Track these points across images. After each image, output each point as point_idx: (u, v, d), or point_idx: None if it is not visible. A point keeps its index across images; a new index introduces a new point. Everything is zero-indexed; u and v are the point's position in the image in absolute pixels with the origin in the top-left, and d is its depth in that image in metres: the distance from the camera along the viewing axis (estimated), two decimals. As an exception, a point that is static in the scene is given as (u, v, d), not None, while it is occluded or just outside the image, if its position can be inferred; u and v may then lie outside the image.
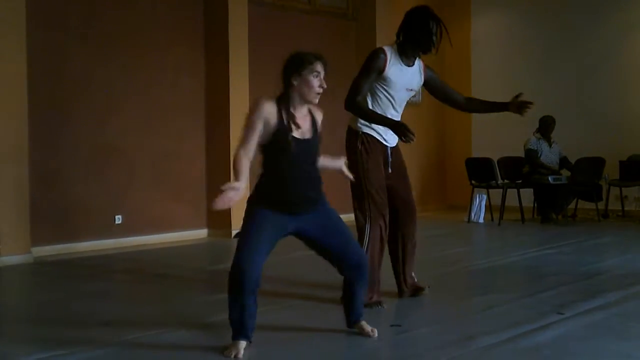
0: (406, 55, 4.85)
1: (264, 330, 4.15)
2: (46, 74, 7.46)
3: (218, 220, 8.84)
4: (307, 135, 3.87)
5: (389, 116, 4.78)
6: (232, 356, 3.75)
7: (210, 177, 8.90)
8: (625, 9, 10.81)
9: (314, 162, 3.92)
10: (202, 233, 8.91)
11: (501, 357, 3.77)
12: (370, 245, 4.79)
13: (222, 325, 4.51)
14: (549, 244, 7.93)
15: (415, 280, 5.20)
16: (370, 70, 4.76)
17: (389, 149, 4.91)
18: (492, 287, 5.83)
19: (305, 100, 3.90)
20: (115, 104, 8.04)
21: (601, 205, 10.18)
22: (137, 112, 8.22)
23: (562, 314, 4.62)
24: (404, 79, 4.84)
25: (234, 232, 8.72)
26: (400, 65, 4.83)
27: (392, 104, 4.85)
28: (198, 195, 8.86)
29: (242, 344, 3.81)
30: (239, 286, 3.77)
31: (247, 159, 3.75)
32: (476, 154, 11.57)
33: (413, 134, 4.53)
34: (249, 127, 3.79)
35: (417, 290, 5.14)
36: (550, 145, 10.12)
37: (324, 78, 3.90)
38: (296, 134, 3.81)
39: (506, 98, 5.17)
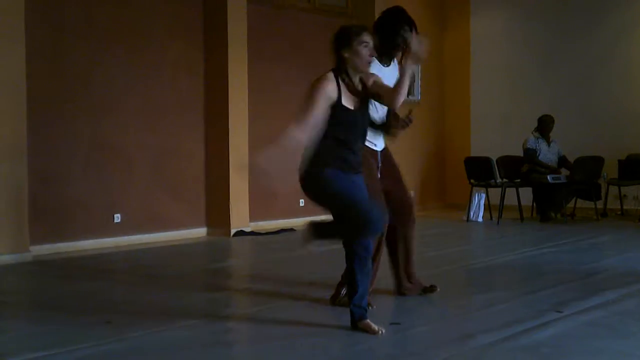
0: (382, 55, 4.81)
1: (263, 328, 4.16)
2: (44, 71, 7.45)
3: (217, 218, 8.84)
4: (361, 104, 4.07)
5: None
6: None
7: (209, 175, 8.90)
8: (624, 8, 10.81)
9: (365, 129, 4.12)
10: (201, 232, 8.91)
11: (500, 355, 3.77)
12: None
13: (222, 321, 4.52)
14: (548, 242, 7.93)
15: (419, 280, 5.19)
16: None
17: (378, 153, 4.90)
18: (491, 286, 5.83)
19: (359, 71, 4.05)
20: (113, 101, 8.03)
21: (600, 204, 10.19)
22: (136, 109, 8.21)
23: (561, 312, 4.62)
24: (384, 79, 4.83)
25: (233, 231, 8.72)
26: (379, 65, 4.79)
27: (373, 103, 4.84)
28: (197, 193, 8.86)
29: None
30: (369, 236, 4.03)
31: (303, 137, 3.89)
32: (475, 153, 11.58)
33: (410, 119, 4.62)
34: (311, 104, 3.93)
35: (427, 289, 5.13)
36: (548, 144, 10.13)
37: (373, 47, 4.05)
38: (351, 105, 4.01)
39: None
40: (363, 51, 3.99)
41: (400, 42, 4.79)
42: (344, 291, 4.76)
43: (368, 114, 4.18)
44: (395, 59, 4.97)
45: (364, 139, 4.14)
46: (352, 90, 4.03)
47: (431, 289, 5.13)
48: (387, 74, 4.82)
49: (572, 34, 11.12)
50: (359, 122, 4.07)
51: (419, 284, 5.14)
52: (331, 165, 3.97)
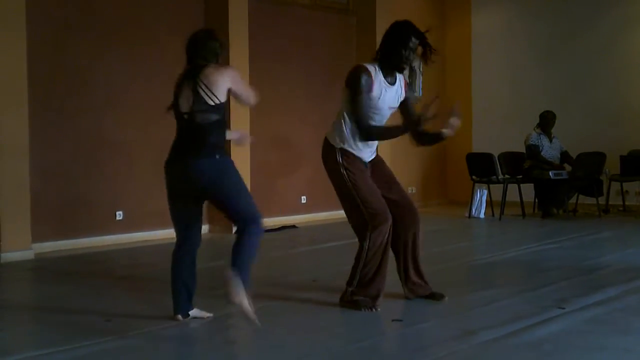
0: (387, 73, 4.69)
1: (265, 326, 4.15)
2: (46, 68, 7.45)
3: (218, 215, 8.80)
4: None
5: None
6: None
7: (210, 173, 8.88)
8: (624, 3, 10.79)
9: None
10: (202, 229, 8.88)
11: (502, 352, 3.77)
12: (371, 253, 4.60)
13: (223, 319, 4.52)
14: (550, 239, 7.92)
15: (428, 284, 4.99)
16: (363, 92, 4.57)
17: (367, 164, 4.79)
18: (493, 282, 5.83)
19: None
20: (115, 98, 8.03)
21: (602, 200, 10.18)
22: (138, 106, 8.20)
23: (563, 308, 4.62)
24: (388, 99, 4.71)
25: (234, 228, 8.69)
26: (384, 84, 4.67)
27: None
28: (199, 190, 8.84)
29: None
30: None
31: None
32: (477, 149, 11.56)
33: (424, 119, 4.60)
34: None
35: (434, 295, 4.91)
36: (550, 141, 10.11)
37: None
38: None
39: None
40: None
41: (406, 57, 4.63)
42: (350, 289, 4.72)
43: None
44: (400, 78, 4.82)
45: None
46: None
47: (441, 297, 4.91)
48: (388, 94, 4.69)
49: (573, 29, 11.11)
50: None
51: (428, 290, 4.93)
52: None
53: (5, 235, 6.87)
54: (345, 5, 10.67)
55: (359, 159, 4.74)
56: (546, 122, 10.07)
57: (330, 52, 10.22)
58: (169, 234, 8.49)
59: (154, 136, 8.33)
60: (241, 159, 8.81)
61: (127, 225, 8.11)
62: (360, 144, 4.70)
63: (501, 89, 11.82)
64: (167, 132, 8.45)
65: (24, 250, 6.99)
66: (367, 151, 4.77)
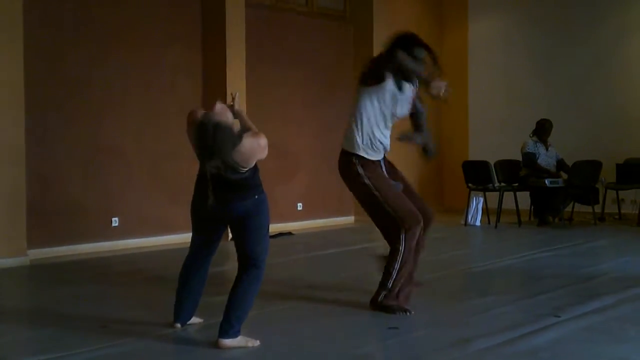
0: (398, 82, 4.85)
1: (260, 332, 4.15)
2: (43, 74, 7.45)
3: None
4: None
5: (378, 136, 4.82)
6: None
7: (207, 179, 8.87)
8: (621, 12, 10.83)
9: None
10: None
11: (498, 360, 3.78)
12: (406, 255, 4.72)
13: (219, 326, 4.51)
14: (546, 246, 7.93)
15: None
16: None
17: (381, 162, 4.90)
18: (489, 290, 5.83)
19: None
20: (112, 104, 8.02)
21: (598, 209, 10.19)
22: (134, 113, 8.21)
23: (559, 316, 4.62)
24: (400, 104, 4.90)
25: (230, 235, 8.69)
26: (394, 89, 4.84)
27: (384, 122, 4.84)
28: (195, 197, 8.83)
29: None
30: None
31: None
32: (473, 157, 11.58)
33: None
34: None
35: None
36: (546, 149, 10.13)
37: None
38: None
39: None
40: None
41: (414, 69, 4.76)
42: (384, 292, 4.74)
43: None
44: (412, 84, 4.96)
45: None
46: None
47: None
48: (401, 98, 4.88)
49: (570, 38, 11.14)
50: None
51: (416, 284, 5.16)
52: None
53: (1, 242, 6.85)
54: (342, 12, 10.68)
55: (376, 162, 4.83)
56: (543, 130, 10.09)
57: (327, 59, 10.23)
58: (165, 240, 8.54)
59: (150, 143, 8.34)
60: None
61: (123, 232, 8.10)
62: (375, 147, 4.81)
63: (498, 96, 11.84)
64: (163, 138, 8.53)
65: (19, 256, 6.97)
66: (381, 151, 4.88)
